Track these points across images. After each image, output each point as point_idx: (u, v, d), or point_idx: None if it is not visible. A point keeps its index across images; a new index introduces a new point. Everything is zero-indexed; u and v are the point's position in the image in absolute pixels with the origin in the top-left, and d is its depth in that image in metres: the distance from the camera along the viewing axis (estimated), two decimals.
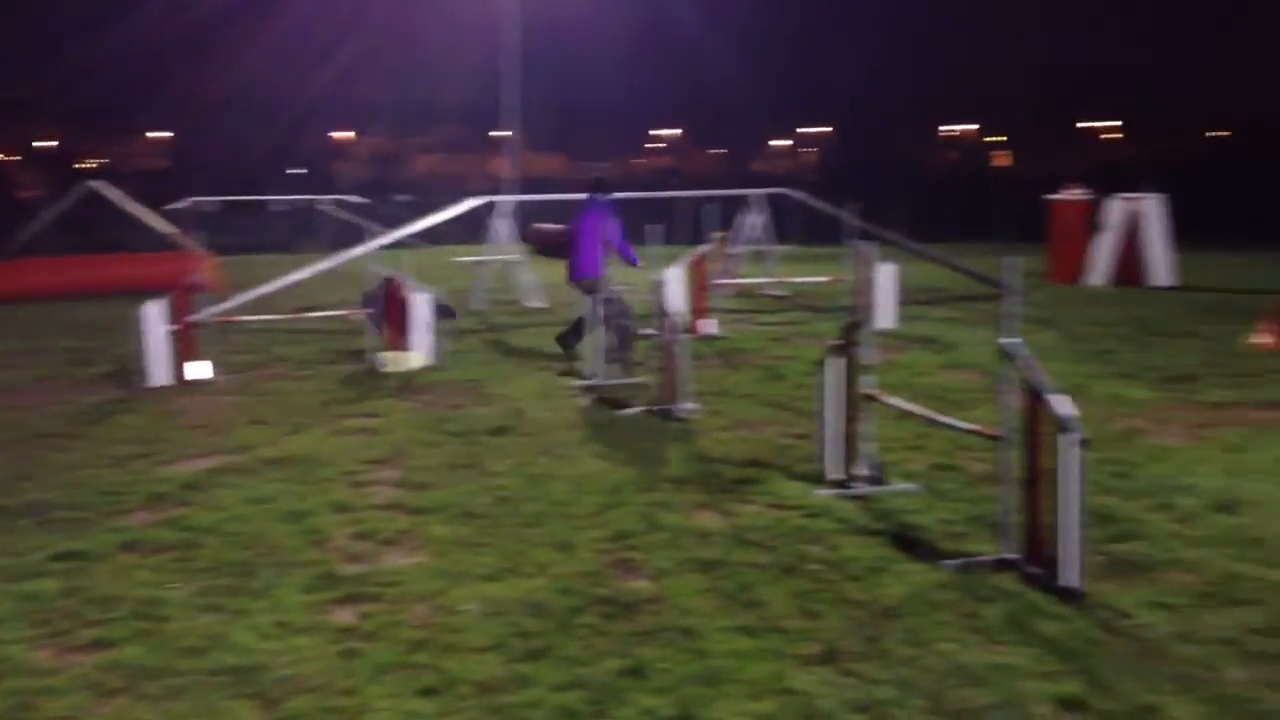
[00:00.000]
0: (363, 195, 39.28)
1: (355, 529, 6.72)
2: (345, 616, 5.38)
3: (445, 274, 23.58)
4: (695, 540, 6.37)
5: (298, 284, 17.24)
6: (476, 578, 5.84)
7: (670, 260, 15.08)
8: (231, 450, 8.73)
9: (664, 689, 4.53)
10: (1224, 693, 4.37)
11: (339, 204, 35.39)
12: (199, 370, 11.89)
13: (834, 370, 7.33)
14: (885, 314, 15.28)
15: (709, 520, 6.78)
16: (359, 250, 16.05)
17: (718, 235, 20.81)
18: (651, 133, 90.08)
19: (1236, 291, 18.76)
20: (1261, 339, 12.73)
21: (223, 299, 14.98)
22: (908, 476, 7.55)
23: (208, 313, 13.20)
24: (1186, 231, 21.21)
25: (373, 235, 16.45)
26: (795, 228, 25.63)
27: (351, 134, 76.95)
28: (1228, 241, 28.44)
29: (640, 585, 5.73)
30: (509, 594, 5.60)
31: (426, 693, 4.57)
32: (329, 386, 11.45)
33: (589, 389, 10.99)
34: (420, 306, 12.64)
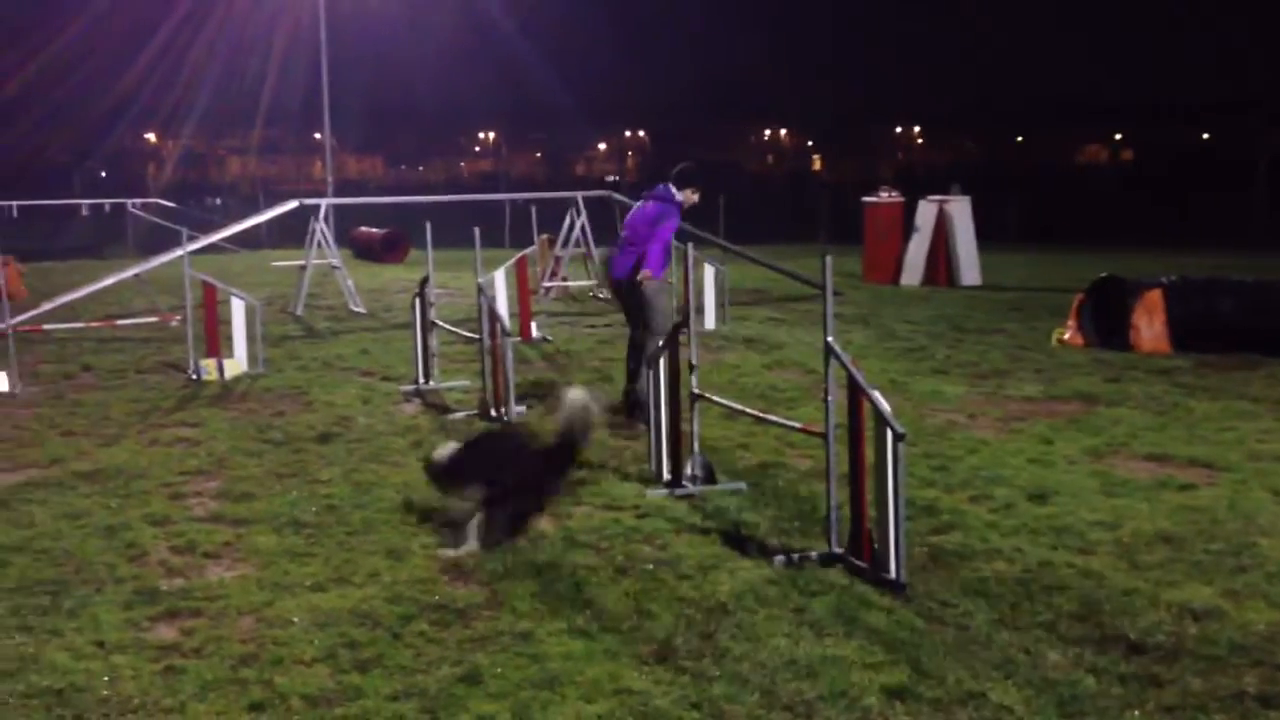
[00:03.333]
0: (173, 199, 38.06)
1: (175, 542, 6.48)
2: (166, 633, 5.20)
3: (264, 279, 23.00)
4: (528, 544, 6.34)
5: (107, 290, 16.65)
6: (303, 588, 5.70)
7: (495, 264, 15.02)
8: (40, 464, 8.33)
9: (499, 694, 4.50)
10: (1044, 676, 4.55)
11: (149, 207, 34.26)
12: None
13: (662, 371, 7.40)
14: (711, 315, 15.52)
15: (541, 523, 6.75)
16: (172, 255, 15.52)
17: (543, 238, 20.79)
18: (471, 136, 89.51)
19: (1036, 290, 19.62)
20: (1067, 335, 13.33)
21: (27, 307, 14.32)
22: (737, 475, 7.66)
23: (10, 321, 12.59)
24: (986, 232, 22.11)
25: (189, 239, 15.93)
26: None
27: (152, 136, 74.46)
28: (1022, 241, 29.77)
29: (473, 591, 5.68)
30: (338, 604, 5.48)
31: (254, 708, 4.44)
32: (144, 396, 11.02)
33: (416, 394, 10.85)
34: (239, 312, 12.29)
